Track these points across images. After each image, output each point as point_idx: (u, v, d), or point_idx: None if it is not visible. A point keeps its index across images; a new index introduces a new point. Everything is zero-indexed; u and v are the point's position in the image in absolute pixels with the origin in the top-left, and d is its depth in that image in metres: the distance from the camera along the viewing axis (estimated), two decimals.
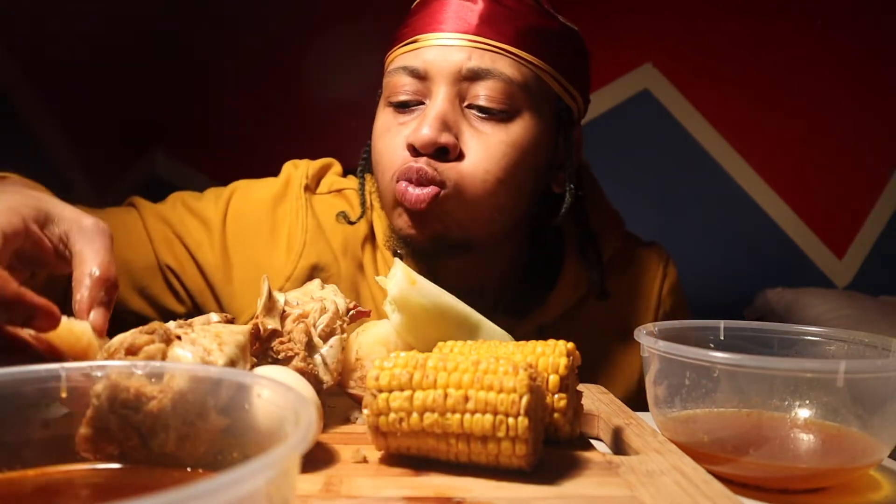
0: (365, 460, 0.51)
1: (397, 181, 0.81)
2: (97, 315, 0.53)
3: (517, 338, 0.78)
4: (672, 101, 2.44)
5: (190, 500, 0.22)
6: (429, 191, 0.79)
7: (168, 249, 0.91)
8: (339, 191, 0.98)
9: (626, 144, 2.44)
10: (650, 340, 0.60)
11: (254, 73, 2.38)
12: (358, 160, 0.98)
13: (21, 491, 0.38)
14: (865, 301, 2.17)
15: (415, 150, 0.79)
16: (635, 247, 1.01)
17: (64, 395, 0.40)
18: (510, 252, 0.93)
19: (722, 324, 0.68)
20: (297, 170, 0.99)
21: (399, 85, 0.82)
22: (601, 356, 0.94)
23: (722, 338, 0.68)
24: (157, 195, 1.00)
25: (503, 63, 0.80)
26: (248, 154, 2.38)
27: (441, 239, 0.82)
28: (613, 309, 0.95)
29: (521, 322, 0.90)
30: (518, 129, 0.82)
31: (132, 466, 0.40)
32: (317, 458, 0.51)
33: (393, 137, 0.83)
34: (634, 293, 0.97)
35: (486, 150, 0.80)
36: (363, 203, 0.94)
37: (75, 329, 0.51)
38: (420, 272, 0.89)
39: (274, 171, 1.02)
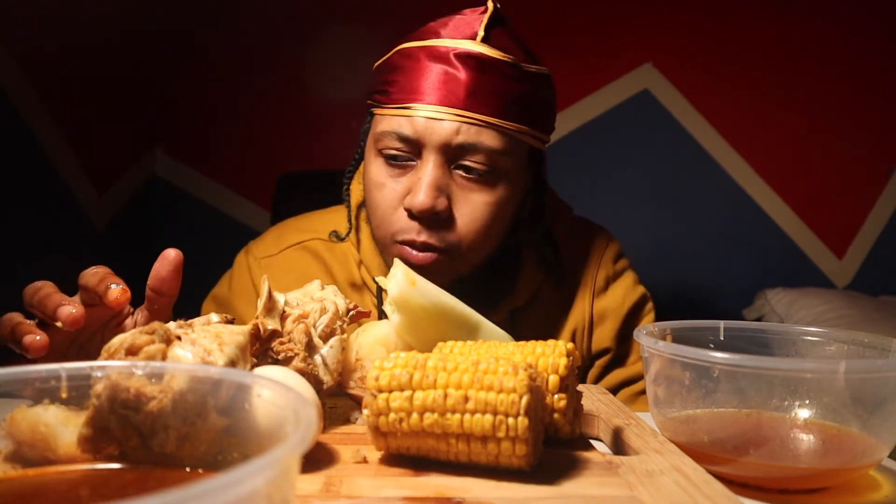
0: (365, 460, 0.51)
1: (398, 243, 0.88)
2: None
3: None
4: (672, 101, 2.44)
5: (190, 500, 0.22)
6: (429, 255, 0.87)
7: None
8: (299, 243, 1.03)
9: (626, 144, 2.44)
10: (650, 340, 0.60)
11: (254, 73, 2.38)
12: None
13: (21, 491, 0.38)
14: (865, 301, 2.17)
15: (412, 213, 0.86)
16: (582, 225, 1.09)
17: (64, 395, 0.40)
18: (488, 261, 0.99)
19: (722, 324, 0.68)
20: (248, 254, 1.04)
21: (391, 145, 0.88)
22: (560, 324, 1.03)
23: (722, 338, 0.68)
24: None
25: (487, 136, 0.86)
26: (248, 154, 2.38)
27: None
28: (566, 279, 1.03)
29: (492, 312, 0.95)
30: (500, 190, 0.89)
31: (132, 466, 0.40)
32: (317, 458, 0.51)
33: (388, 194, 0.89)
34: (581, 264, 1.04)
35: (473, 212, 0.88)
36: (350, 222, 0.99)
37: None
38: None
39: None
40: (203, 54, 2.36)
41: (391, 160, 0.88)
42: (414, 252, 0.87)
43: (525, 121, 0.88)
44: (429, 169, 0.86)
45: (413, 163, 0.88)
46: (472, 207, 0.88)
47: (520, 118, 0.88)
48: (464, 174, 0.87)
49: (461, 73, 0.85)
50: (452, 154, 0.86)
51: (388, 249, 0.91)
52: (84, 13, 1.92)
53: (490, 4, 0.89)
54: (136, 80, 2.23)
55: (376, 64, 0.95)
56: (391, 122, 0.88)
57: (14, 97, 1.69)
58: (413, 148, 0.87)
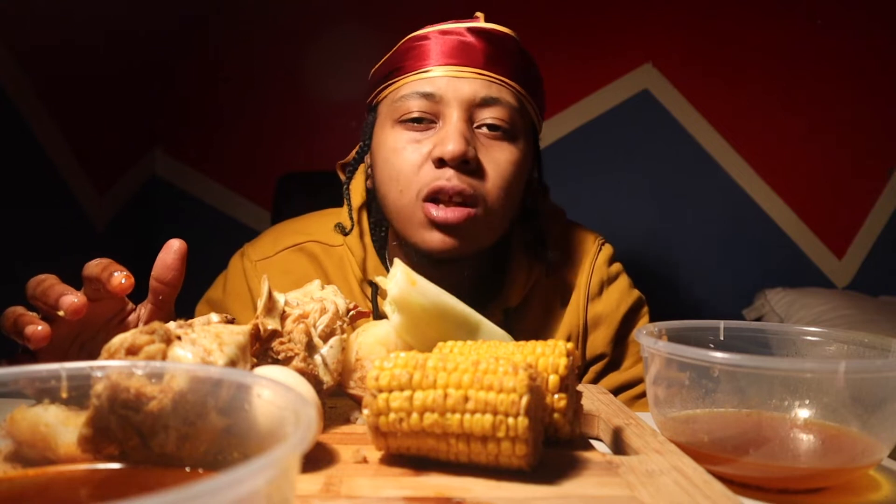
0: (365, 460, 0.51)
1: (425, 200, 0.87)
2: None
3: None
4: (672, 101, 2.44)
5: (190, 500, 0.22)
6: (463, 211, 0.86)
7: None
8: (296, 245, 1.01)
9: (626, 144, 2.44)
10: (650, 340, 0.60)
11: (254, 73, 2.38)
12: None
13: (21, 491, 0.38)
14: (865, 301, 2.17)
15: (441, 163, 0.86)
16: (575, 230, 1.08)
17: (64, 395, 0.40)
18: (486, 254, 0.97)
19: (722, 324, 0.68)
20: (243, 257, 1.03)
21: (412, 107, 0.88)
22: (553, 325, 1.01)
23: (722, 338, 0.68)
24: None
25: (506, 93, 0.90)
26: (248, 154, 2.38)
27: (465, 252, 0.89)
28: (559, 283, 1.02)
29: (485, 314, 0.93)
30: (518, 150, 0.91)
31: (132, 466, 0.40)
32: (317, 458, 0.51)
33: (411, 154, 0.88)
34: (574, 268, 1.03)
35: (498, 168, 0.89)
36: (352, 220, 0.99)
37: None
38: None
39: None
40: (203, 54, 2.36)
41: (413, 122, 0.89)
42: (443, 209, 0.86)
43: (529, 90, 0.93)
44: (454, 120, 0.87)
45: (434, 125, 0.89)
46: (496, 163, 0.89)
47: (525, 85, 0.92)
48: (487, 131, 0.89)
49: (476, 42, 0.90)
50: (475, 110, 0.88)
51: (413, 216, 0.88)
52: (84, 13, 1.92)
53: (480, 14, 0.94)
54: (136, 80, 2.23)
55: (376, 66, 0.96)
56: (410, 86, 0.90)
57: (14, 97, 1.69)
58: (434, 108, 0.88)
